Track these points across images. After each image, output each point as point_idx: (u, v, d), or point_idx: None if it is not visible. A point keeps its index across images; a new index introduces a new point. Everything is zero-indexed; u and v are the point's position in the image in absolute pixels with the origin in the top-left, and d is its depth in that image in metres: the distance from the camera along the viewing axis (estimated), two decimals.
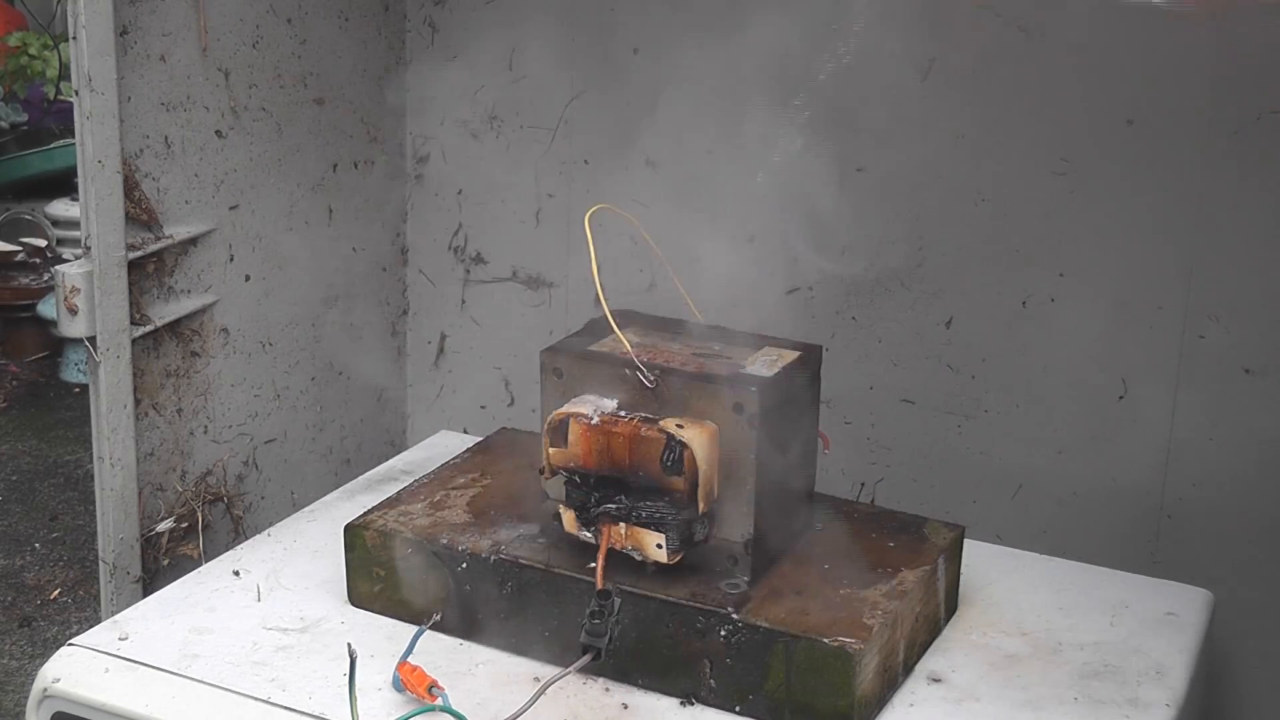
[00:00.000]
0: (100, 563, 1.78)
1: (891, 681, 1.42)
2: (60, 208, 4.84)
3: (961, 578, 1.58)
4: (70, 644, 1.47)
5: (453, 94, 2.14)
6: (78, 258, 1.71)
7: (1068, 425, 1.87)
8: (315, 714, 1.35)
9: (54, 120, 5.26)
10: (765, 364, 1.47)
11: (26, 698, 1.45)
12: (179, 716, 1.37)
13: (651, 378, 1.41)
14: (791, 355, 1.50)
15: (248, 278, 1.94)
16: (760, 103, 1.95)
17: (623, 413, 1.41)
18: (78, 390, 4.47)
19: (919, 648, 1.48)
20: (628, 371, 1.42)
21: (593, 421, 1.40)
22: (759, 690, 1.36)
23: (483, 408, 2.22)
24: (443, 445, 1.94)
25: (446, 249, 2.20)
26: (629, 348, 1.44)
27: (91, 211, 1.68)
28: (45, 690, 1.42)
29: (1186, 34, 1.70)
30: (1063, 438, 1.87)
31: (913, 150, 1.86)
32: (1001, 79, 1.81)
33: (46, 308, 4.44)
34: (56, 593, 3.45)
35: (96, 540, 1.77)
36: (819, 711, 1.34)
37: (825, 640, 1.34)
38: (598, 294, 1.42)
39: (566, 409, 1.42)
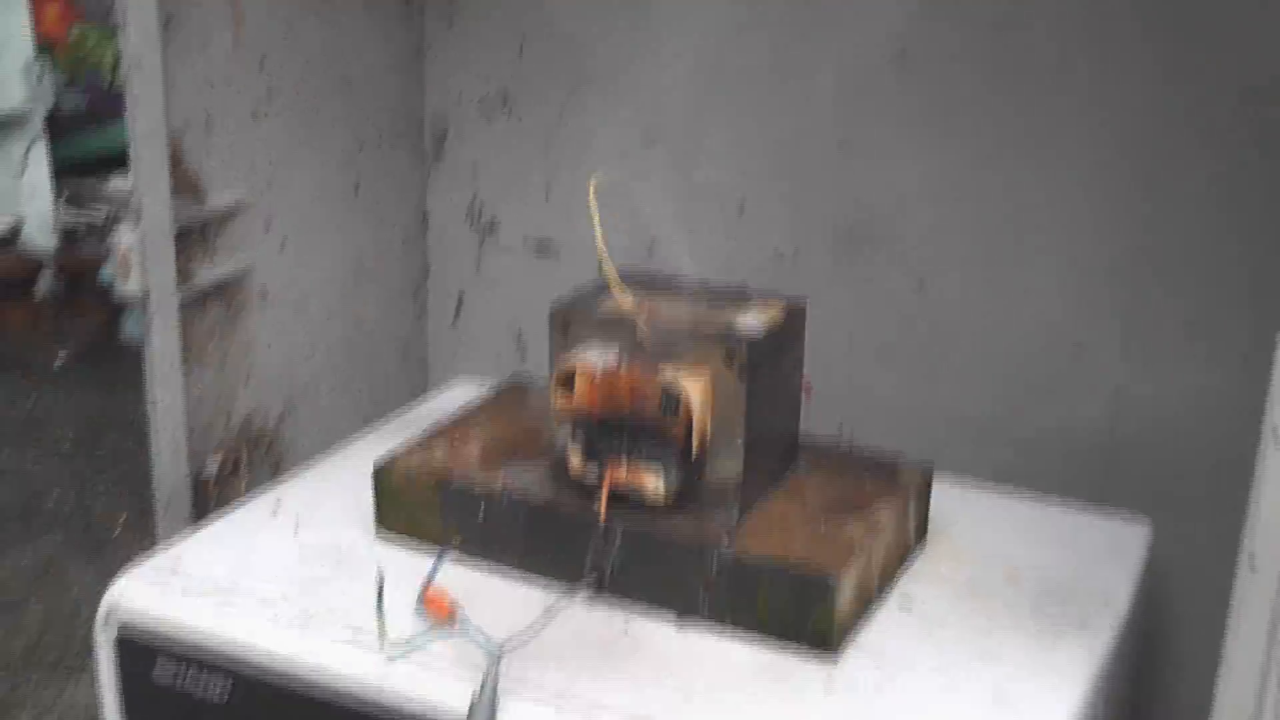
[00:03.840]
0: (155, 500, 1.78)
1: (866, 608, 1.42)
2: (117, 182, 4.83)
3: (930, 513, 1.58)
4: (130, 570, 1.47)
5: (468, 75, 2.12)
6: (132, 228, 1.70)
7: (1025, 377, 1.86)
8: (346, 637, 1.36)
9: (111, 104, 5.24)
10: (755, 319, 1.46)
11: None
12: (226, 631, 1.38)
13: (650, 332, 1.41)
14: (779, 310, 1.49)
15: (283, 245, 1.93)
16: (756, 84, 1.93)
17: (625, 363, 1.41)
18: (134, 349, 4.47)
19: (891, 577, 1.48)
20: (629, 326, 1.42)
21: (597, 371, 1.40)
22: (749, 615, 1.36)
23: (497, 358, 2.22)
24: (461, 392, 1.94)
25: (463, 218, 2.19)
26: (630, 305, 1.43)
27: (142, 185, 1.67)
28: (109, 611, 1.43)
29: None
30: (1021, 388, 1.87)
31: (887, 126, 1.84)
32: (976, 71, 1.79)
33: (105, 274, 4.44)
34: (119, 530, 3.46)
35: (152, 480, 1.77)
36: (802, 634, 1.34)
37: (807, 571, 1.34)
38: (601, 256, 1.42)
39: (573, 360, 1.42)
